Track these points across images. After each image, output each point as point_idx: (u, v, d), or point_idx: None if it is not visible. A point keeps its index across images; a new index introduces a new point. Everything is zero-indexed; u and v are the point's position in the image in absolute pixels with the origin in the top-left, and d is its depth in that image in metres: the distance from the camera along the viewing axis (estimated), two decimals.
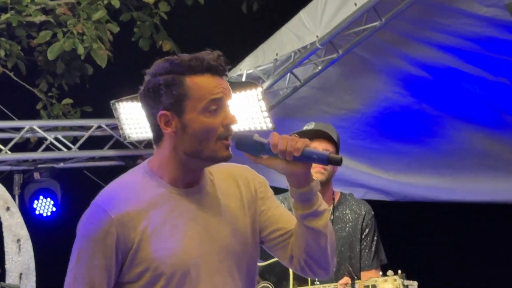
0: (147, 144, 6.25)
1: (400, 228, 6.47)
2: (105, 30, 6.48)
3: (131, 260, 1.91)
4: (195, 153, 1.92)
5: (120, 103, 5.75)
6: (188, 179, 1.97)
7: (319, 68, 5.06)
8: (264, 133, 1.97)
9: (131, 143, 6.21)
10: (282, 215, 2.01)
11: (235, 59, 5.63)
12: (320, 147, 3.26)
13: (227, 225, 1.99)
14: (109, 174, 6.36)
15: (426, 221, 6.74)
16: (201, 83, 1.90)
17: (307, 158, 1.83)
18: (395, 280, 3.58)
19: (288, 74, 5.21)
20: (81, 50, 6.27)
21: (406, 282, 3.61)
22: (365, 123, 5.67)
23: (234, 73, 5.57)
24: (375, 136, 5.77)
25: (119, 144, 6.33)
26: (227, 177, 2.04)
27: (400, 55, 5.13)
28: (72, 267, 1.93)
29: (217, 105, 1.90)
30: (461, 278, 7.14)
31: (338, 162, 1.85)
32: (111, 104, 5.79)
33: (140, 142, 6.25)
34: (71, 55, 6.69)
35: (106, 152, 6.38)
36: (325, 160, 1.83)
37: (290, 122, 5.48)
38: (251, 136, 1.89)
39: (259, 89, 5.17)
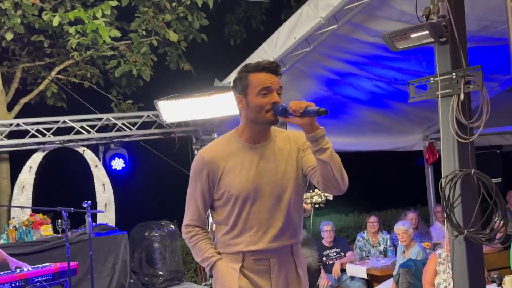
0: (177, 125, 7.36)
1: None
2: (148, 58, 7.77)
3: (217, 185, 2.23)
4: (255, 120, 2.18)
5: (159, 102, 6.80)
6: (256, 138, 2.22)
7: None
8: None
9: (167, 124, 7.19)
10: (313, 158, 2.16)
11: (228, 73, 6.65)
12: None
13: (278, 167, 2.24)
14: (155, 144, 7.52)
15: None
16: (257, 77, 2.15)
17: (307, 113, 2.03)
18: (317, 193, 4.24)
19: None
20: (134, 71, 7.60)
21: (326, 194, 4.25)
22: None
23: (226, 81, 6.66)
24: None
25: (160, 125, 7.27)
26: (285, 138, 2.29)
27: (322, 67, 6.07)
28: (188, 188, 2.29)
29: (266, 90, 2.13)
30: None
31: (324, 113, 1.99)
32: (154, 102, 6.84)
33: (173, 124, 7.23)
34: (129, 74, 7.83)
35: (152, 130, 7.32)
36: (316, 112, 2.00)
37: None
38: (280, 105, 2.12)
39: None
